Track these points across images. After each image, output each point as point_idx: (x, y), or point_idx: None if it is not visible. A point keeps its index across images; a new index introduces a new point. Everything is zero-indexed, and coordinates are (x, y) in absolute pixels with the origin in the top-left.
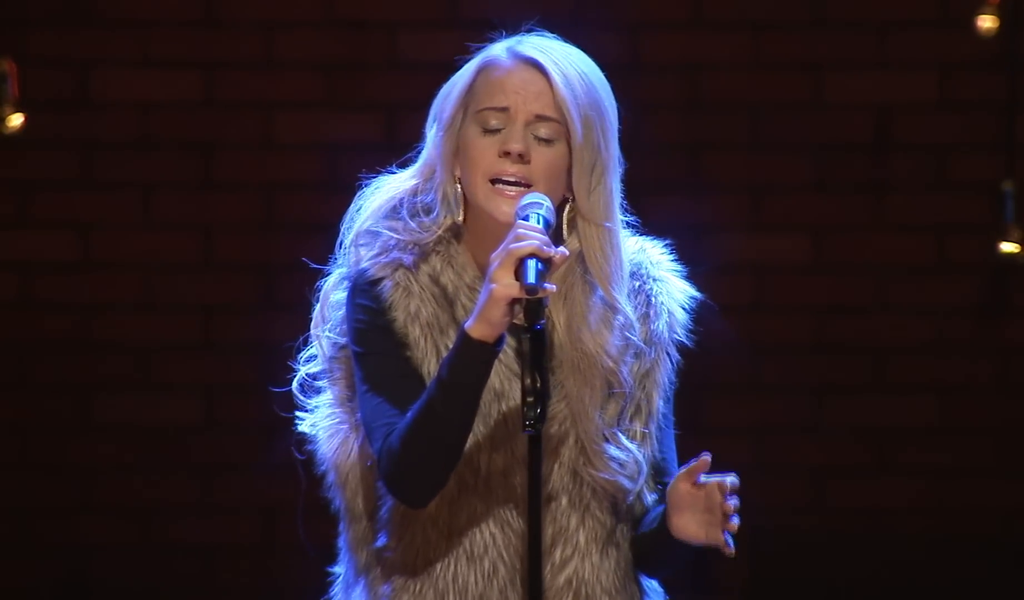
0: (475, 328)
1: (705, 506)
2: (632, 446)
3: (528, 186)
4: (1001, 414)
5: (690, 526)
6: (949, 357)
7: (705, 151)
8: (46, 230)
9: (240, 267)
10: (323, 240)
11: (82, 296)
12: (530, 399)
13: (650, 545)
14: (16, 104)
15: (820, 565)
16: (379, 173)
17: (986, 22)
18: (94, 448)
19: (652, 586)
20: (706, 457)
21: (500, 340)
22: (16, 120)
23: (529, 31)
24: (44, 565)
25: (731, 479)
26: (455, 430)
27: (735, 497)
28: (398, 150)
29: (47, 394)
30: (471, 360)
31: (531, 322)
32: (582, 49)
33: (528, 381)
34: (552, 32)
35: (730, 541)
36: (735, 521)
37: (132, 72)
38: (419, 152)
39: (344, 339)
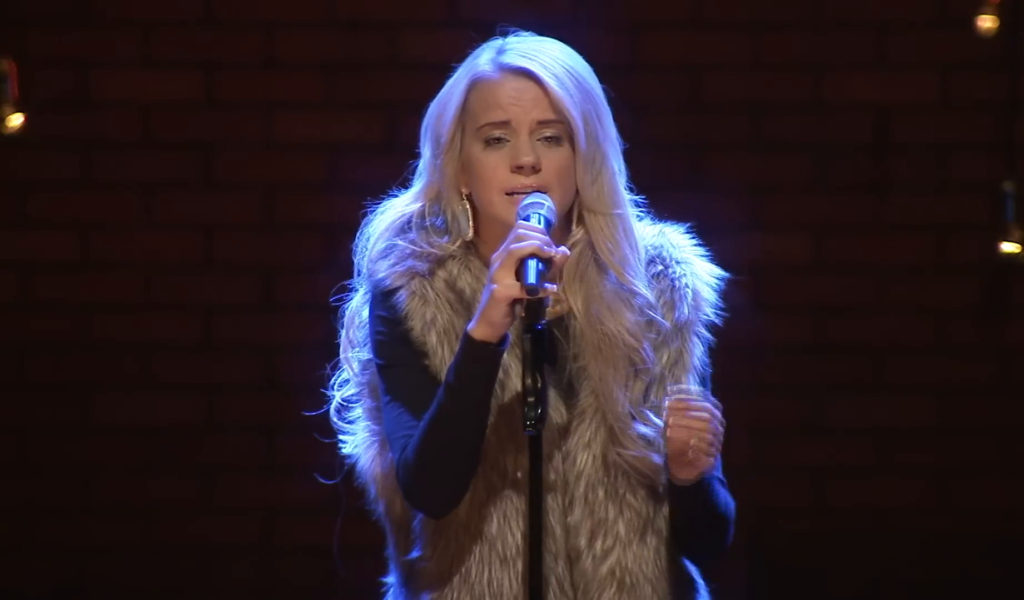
0: (477, 329)
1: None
2: (660, 421)
3: (544, 192)
4: (1001, 414)
5: (675, 465)
6: (949, 357)
7: (705, 151)
8: (46, 230)
9: (240, 267)
10: (323, 240)
11: (82, 296)
12: (531, 399)
13: (672, 510)
14: (16, 104)
15: (820, 565)
16: (378, 183)
17: (986, 22)
18: (94, 448)
19: (694, 573)
20: (691, 390)
21: (503, 340)
22: (16, 120)
23: (505, 34)
24: (44, 565)
25: (692, 387)
26: (467, 433)
27: (707, 413)
28: (398, 150)
29: (47, 394)
30: (475, 361)
31: (532, 322)
32: (581, 49)
33: (529, 381)
34: (552, 32)
35: (712, 456)
36: (717, 429)
37: (132, 72)
38: (415, 171)
39: (370, 354)
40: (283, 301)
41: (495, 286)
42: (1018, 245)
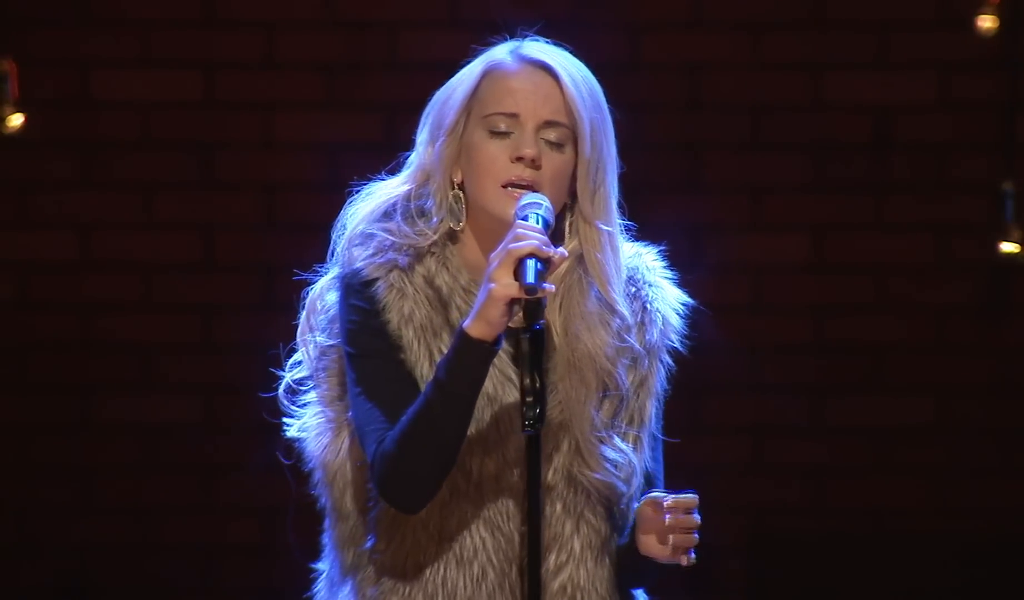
0: (473, 327)
1: (668, 526)
2: (627, 448)
3: (535, 191)
4: (1001, 414)
5: (654, 545)
6: (949, 357)
7: (705, 151)
8: (46, 230)
9: (240, 267)
10: (323, 240)
11: (82, 296)
12: (529, 399)
13: (623, 557)
14: (16, 104)
15: (820, 565)
16: (374, 177)
17: (986, 22)
18: (94, 448)
19: (639, 595)
20: (686, 496)
21: (498, 340)
22: (16, 120)
23: (525, 36)
24: (44, 565)
25: (690, 496)
26: (452, 431)
27: (696, 513)
28: (398, 150)
29: (47, 394)
30: (469, 359)
31: (530, 322)
32: (582, 49)
33: (527, 381)
34: (552, 32)
35: (691, 553)
36: (696, 537)
37: (132, 72)
38: (408, 156)
39: (333, 340)
40: (283, 301)
41: (493, 285)
42: (1018, 245)
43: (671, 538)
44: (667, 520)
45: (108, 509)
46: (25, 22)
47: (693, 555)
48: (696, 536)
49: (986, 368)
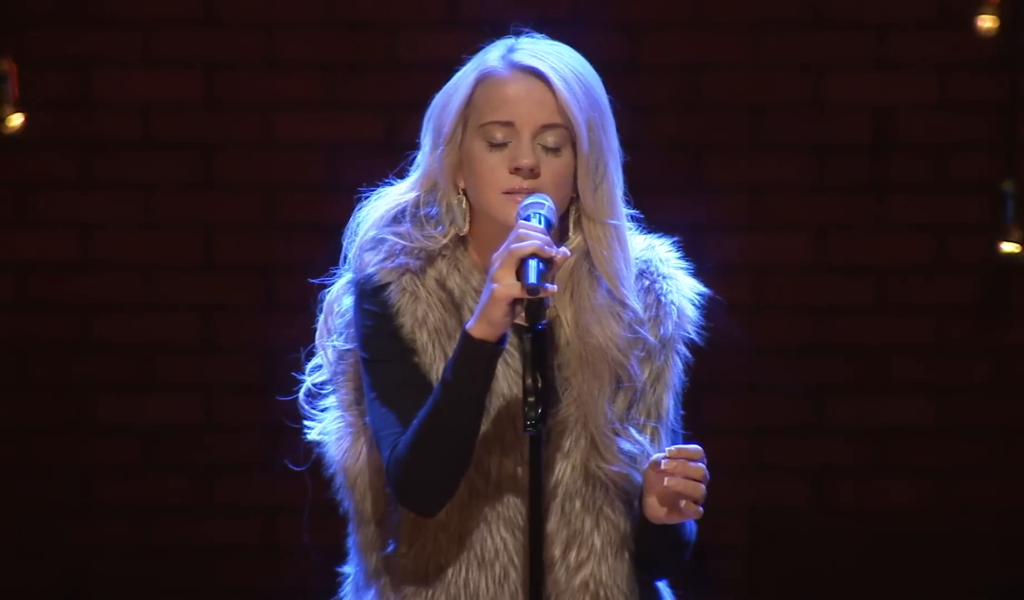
0: (476, 328)
1: (665, 468)
2: (643, 440)
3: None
4: (1001, 414)
5: (659, 506)
6: (949, 357)
7: (705, 151)
8: (46, 230)
9: (240, 267)
10: (323, 240)
11: (82, 296)
12: (531, 399)
13: (636, 537)
14: (16, 104)
15: (820, 565)
16: (381, 180)
17: (986, 22)
18: (94, 448)
19: (662, 587)
20: (689, 446)
21: (502, 339)
22: (16, 120)
23: (518, 33)
24: (44, 565)
25: (694, 446)
26: (462, 433)
27: (702, 463)
28: (398, 150)
29: (47, 394)
30: (474, 360)
31: (532, 322)
32: (581, 49)
33: (529, 381)
34: (552, 32)
35: (700, 508)
36: (703, 488)
37: (132, 72)
38: (414, 161)
39: (350, 344)
40: (283, 301)
41: (495, 285)
42: (1018, 245)
43: (667, 481)
44: (663, 463)
45: (108, 509)
46: (25, 22)
47: (702, 509)
48: (703, 488)
49: (986, 368)
